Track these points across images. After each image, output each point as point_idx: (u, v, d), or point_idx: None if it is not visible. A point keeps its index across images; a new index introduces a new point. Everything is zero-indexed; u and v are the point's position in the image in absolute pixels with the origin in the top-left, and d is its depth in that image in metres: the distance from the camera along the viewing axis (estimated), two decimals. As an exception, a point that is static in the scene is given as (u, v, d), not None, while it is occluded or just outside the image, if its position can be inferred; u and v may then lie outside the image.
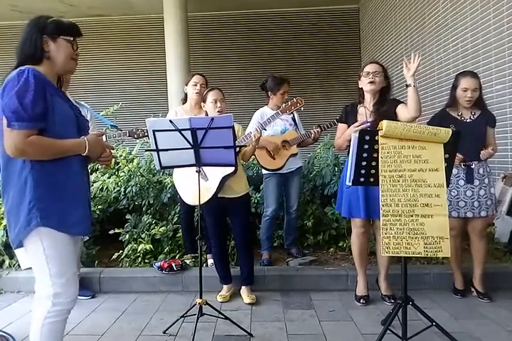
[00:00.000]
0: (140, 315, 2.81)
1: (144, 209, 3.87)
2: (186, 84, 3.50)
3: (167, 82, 6.87)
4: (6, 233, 3.13)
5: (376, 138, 2.03)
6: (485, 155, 2.85)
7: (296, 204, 3.63)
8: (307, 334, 2.48)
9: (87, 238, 3.45)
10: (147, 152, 4.04)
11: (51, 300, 1.64)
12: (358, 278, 2.97)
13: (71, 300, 1.69)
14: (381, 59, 7.12)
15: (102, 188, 3.95)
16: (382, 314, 2.68)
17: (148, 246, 3.47)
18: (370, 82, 2.77)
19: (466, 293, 3.00)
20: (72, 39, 1.72)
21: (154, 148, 2.36)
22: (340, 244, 3.77)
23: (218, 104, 2.92)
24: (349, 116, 2.90)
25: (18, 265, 3.38)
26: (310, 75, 8.58)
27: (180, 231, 3.62)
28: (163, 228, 3.58)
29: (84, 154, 1.70)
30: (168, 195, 3.82)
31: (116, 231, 3.61)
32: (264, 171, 3.58)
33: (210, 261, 3.44)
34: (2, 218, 3.33)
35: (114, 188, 3.94)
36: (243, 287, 3.05)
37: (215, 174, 2.82)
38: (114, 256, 3.55)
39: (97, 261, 3.57)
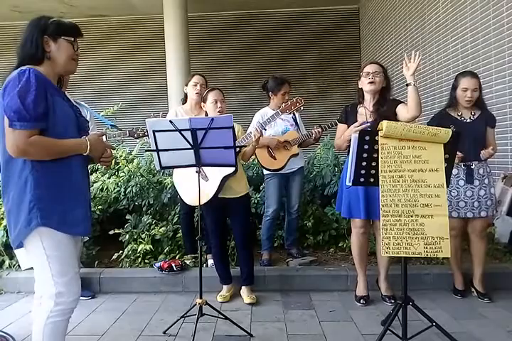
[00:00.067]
0: (140, 315, 2.81)
1: (143, 209, 3.87)
2: (186, 85, 3.50)
3: (167, 82, 6.87)
4: (6, 233, 3.14)
5: (376, 138, 2.04)
6: (485, 155, 2.85)
7: (298, 204, 3.63)
8: (307, 334, 2.48)
9: (87, 238, 3.45)
10: (147, 152, 4.04)
11: (54, 299, 1.64)
12: (358, 278, 2.97)
13: (73, 299, 1.69)
14: (381, 59, 7.12)
15: (102, 188, 3.95)
16: (382, 314, 2.68)
17: (148, 247, 3.47)
18: (370, 82, 2.77)
19: (466, 293, 3.00)
20: (73, 39, 1.72)
21: (154, 148, 2.36)
22: (340, 244, 3.77)
23: (219, 105, 2.92)
24: (349, 117, 2.89)
25: (18, 265, 3.39)
26: (310, 75, 8.58)
27: (180, 231, 3.62)
28: (163, 228, 3.59)
29: (85, 154, 1.70)
30: (168, 196, 3.82)
31: (116, 231, 3.61)
32: (265, 171, 3.59)
33: (210, 262, 3.44)
34: (2, 218, 3.33)
35: (114, 188, 3.94)
36: (243, 287, 3.05)
37: (216, 174, 2.82)
38: (114, 257, 3.55)
39: (97, 262, 3.57)
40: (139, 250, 3.47)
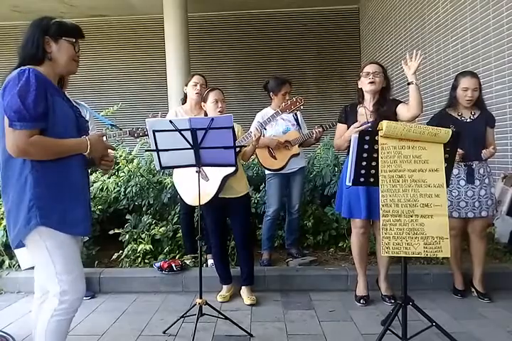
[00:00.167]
0: (140, 315, 2.81)
1: (143, 209, 3.87)
2: (186, 85, 3.50)
3: (167, 83, 6.87)
4: (6, 233, 3.13)
5: (376, 138, 2.04)
6: (486, 154, 2.85)
7: (298, 204, 3.63)
8: (307, 334, 2.48)
9: (87, 238, 3.45)
10: (147, 152, 4.04)
11: (58, 297, 1.65)
12: (358, 278, 2.97)
13: (77, 297, 1.69)
14: (381, 59, 7.12)
15: (102, 188, 3.95)
16: (382, 314, 2.68)
17: (148, 247, 3.47)
18: (371, 83, 2.77)
19: (466, 293, 3.00)
20: (74, 40, 1.72)
21: (154, 148, 2.36)
22: (340, 244, 3.77)
23: (219, 104, 2.92)
24: (349, 117, 2.89)
25: (18, 265, 3.39)
26: (310, 75, 8.58)
27: (180, 231, 3.62)
28: (163, 228, 3.59)
29: (85, 154, 1.70)
30: (168, 195, 3.82)
31: (116, 231, 3.61)
32: (266, 171, 3.59)
33: (210, 261, 3.44)
34: (2, 218, 3.33)
35: (114, 188, 3.94)
36: (243, 287, 3.05)
37: (216, 174, 2.82)
38: (114, 257, 3.55)
39: (96, 262, 3.57)
40: (138, 250, 3.47)
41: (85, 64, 7.95)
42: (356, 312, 2.77)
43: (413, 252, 2.00)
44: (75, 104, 1.90)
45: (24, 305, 2.99)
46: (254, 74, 8.37)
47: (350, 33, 8.64)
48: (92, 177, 3.94)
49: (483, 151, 2.84)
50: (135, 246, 3.50)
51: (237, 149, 2.63)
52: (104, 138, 1.92)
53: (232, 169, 2.76)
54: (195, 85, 3.40)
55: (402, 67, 2.70)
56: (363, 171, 2.11)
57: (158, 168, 2.48)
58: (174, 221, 3.71)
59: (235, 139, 2.40)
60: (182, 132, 2.29)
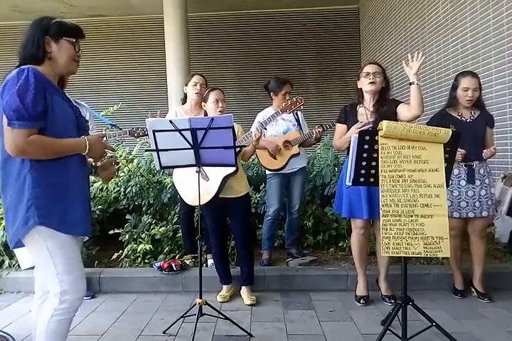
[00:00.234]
0: (140, 315, 2.81)
1: (143, 209, 3.87)
2: (186, 85, 3.50)
3: (167, 83, 6.87)
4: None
5: (376, 138, 2.04)
6: (487, 154, 2.85)
7: (299, 204, 3.63)
8: (307, 334, 2.48)
9: (87, 238, 3.45)
10: (147, 152, 4.04)
11: (58, 297, 1.65)
12: (358, 278, 2.97)
13: (78, 297, 1.69)
14: (381, 59, 7.13)
15: (102, 188, 3.95)
16: (382, 314, 2.68)
17: (148, 247, 3.47)
18: (371, 83, 2.77)
19: (466, 293, 3.00)
20: (74, 40, 1.72)
21: (154, 148, 2.36)
22: (340, 244, 3.77)
23: (220, 104, 2.92)
24: (348, 117, 2.89)
25: (18, 265, 3.39)
26: (310, 75, 8.58)
27: (180, 231, 3.62)
28: (163, 228, 3.59)
29: (84, 154, 1.70)
30: (168, 195, 3.82)
31: (116, 231, 3.61)
32: (267, 171, 3.59)
33: (210, 261, 3.44)
34: (2, 218, 3.33)
35: (114, 188, 3.94)
36: (243, 287, 3.05)
37: (216, 174, 2.82)
38: (114, 256, 3.55)
39: (96, 261, 3.57)
40: (138, 250, 3.47)
41: (85, 64, 7.94)
42: (356, 312, 2.77)
43: (413, 252, 2.00)
44: (74, 103, 1.90)
45: (24, 305, 2.99)
46: (254, 74, 8.36)
47: (350, 33, 8.63)
48: (92, 177, 3.93)
49: (484, 151, 2.84)
50: (135, 246, 3.50)
51: (237, 149, 2.63)
52: (104, 139, 1.91)
53: (232, 169, 2.76)
54: (195, 85, 3.40)
55: (402, 67, 2.70)
56: (363, 171, 2.11)
57: (158, 167, 2.48)
58: (174, 221, 3.71)
59: (235, 139, 2.40)
60: (182, 132, 2.28)
